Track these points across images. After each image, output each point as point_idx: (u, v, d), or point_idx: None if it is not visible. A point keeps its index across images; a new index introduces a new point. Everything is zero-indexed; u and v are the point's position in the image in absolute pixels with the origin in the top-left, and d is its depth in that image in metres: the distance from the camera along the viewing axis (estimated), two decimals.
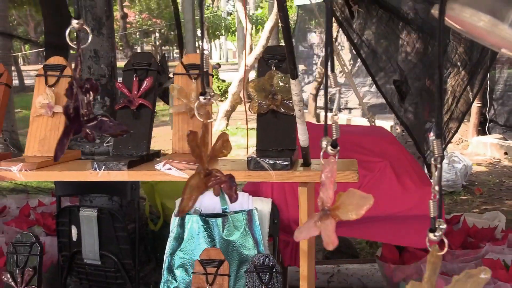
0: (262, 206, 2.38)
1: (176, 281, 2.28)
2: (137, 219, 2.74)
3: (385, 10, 5.74)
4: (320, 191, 0.69)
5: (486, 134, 8.59)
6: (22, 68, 20.98)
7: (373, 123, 3.78)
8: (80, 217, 2.67)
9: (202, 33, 0.86)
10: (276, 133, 0.92)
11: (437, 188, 0.72)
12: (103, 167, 0.94)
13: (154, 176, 0.93)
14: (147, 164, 1.01)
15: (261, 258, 1.98)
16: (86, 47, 2.78)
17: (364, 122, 9.65)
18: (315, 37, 15.52)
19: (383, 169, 2.67)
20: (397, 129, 6.75)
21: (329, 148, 0.66)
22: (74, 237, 2.72)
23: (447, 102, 6.18)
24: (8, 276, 1.66)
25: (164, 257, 2.34)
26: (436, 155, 0.72)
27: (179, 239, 2.31)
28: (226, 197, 2.45)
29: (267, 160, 0.87)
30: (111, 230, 2.67)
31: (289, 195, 2.61)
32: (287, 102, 0.91)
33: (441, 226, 0.73)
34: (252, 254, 2.28)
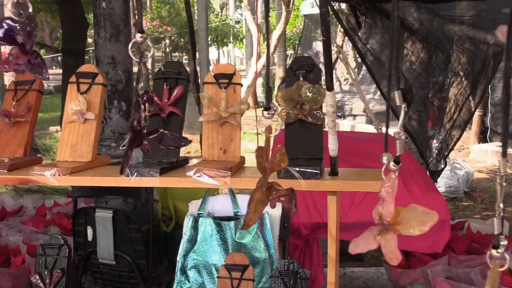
0: (273, 210, 2.37)
1: (189, 282, 2.27)
2: (150, 221, 2.74)
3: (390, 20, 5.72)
4: (379, 205, 0.68)
5: (487, 142, 8.54)
6: None
7: (380, 130, 3.77)
8: (95, 218, 2.67)
9: (268, 49, 0.84)
10: (303, 142, 0.91)
11: (501, 205, 0.70)
12: (135, 173, 0.94)
13: (186, 183, 0.93)
14: (177, 171, 1.00)
15: (286, 264, 1.97)
16: (104, 54, 2.80)
17: (369, 128, 9.63)
18: (320, 45, 15.52)
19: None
20: (401, 136, 6.72)
21: (392, 164, 0.66)
22: (90, 237, 2.72)
23: (449, 111, 6.17)
24: (37, 277, 1.66)
25: (177, 258, 2.33)
26: (502, 174, 0.70)
27: (193, 241, 2.30)
28: (238, 199, 2.44)
29: (297, 168, 0.87)
30: (126, 231, 2.66)
31: (299, 200, 2.61)
32: (315, 112, 0.91)
33: (502, 243, 0.71)
34: (263, 257, 2.27)
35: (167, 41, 23.51)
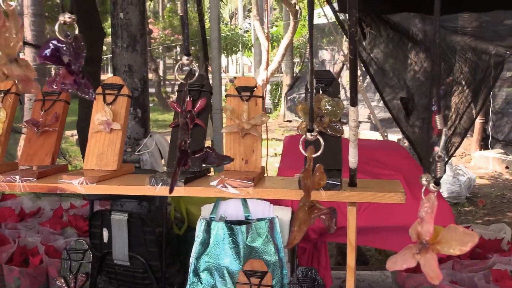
0: (283, 214, 2.36)
1: (201, 283, 2.26)
2: (164, 224, 2.74)
3: (395, 31, 5.72)
4: (417, 223, 0.67)
5: (488, 149, 8.50)
6: None
7: (385, 138, 3.76)
8: (111, 220, 2.67)
9: (311, 78, 0.82)
10: (322, 154, 0.91)
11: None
12: (161, 183, 0.93)
13: (209, 193, 0.93)
14: (201, 181, 1.00)
15: (304, 271, 1.96)
16: (121, 62, 2.81)
17: (373, 135, 9.60)
18: (326, 54, 15.55)
19: None
20: (404, 143, 6.70)
21: (432, 185, 0.66)
22: (105, 239, 2.72)
23: (450, 118, 6.15)
24: (62, 281, 1.67)
25: (190, 261, 2.33)
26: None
27: (205, 244, 2.29)
28: (249, 204, 2.43)
29: None
30: (140, 233, 2.67)
31: None
32: (334, 124, 0.90)
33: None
34: (273, 260, 2.26)
35: (178, 49, 23.59)
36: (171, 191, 0.67)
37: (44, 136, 1.11)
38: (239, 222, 2.32)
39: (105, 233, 2.72)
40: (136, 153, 2.79)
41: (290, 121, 13.29)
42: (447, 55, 5.92)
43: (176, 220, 3.42)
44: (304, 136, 0.91)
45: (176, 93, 1.14)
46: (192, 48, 21.79)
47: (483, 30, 5.47)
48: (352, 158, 0.89)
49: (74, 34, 0.89)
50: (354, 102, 0.82)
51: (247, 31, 25.34)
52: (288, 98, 13.24)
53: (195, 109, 1.02)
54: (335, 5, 5.51)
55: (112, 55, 2.77)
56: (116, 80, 1.25)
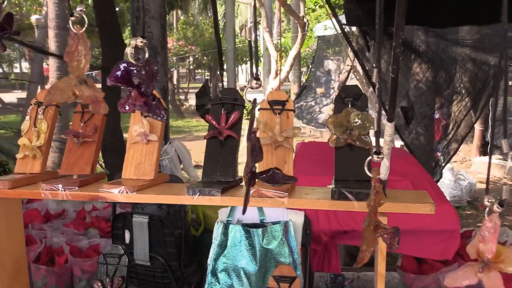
0: (296, 218, 2.35)
1: (219, 283, 2.25)
2: (183, 226, 2.73)
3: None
4: (478, 241, 0.67)
5: (488, 155, 8.44)
6: None
7: (393, 145, 3.73)
8: (133, 222, 2.68)
9: (379, 94, 0.81)
10: (352, 165, 0.90)
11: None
12: (198, 193, 0.93)
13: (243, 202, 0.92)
14: (236, 190, 1.00)
15: (331, 277, 1.94)
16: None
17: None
18: (331, 64, 15.53)
19: (404, 187, 2.62)
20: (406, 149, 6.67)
21: (495, 206, 0.65)
22: (127, 240, 2.72)
23: (450, 127, 6.13)
24: (99, 284, 1.67)
25: (208, 262, 2.32)
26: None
27: (223, 246, 2.28)
28: (265, 210, 2.42)
29: (350, 190, 0.85)
30: (160, 235, 2.67)
31: (320, 210, 2.58)
32: (363, 137, 0.90)
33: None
34: (287, 262, 2.25)
35: (191, 59, 23.68)
36: (243, 211, 0.66)
37: (83, 147, 1.11)
38: (255, 225, 2.31)
39: (127, 235, 2.72)
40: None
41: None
42: (448, 66, 5.90)
43: (193, 222, 3.41)
44: (370, 157, 0.90)
45: (209, 106, 1.14)
46: (205, 58, 21.87)
47: (484, 42, 5.44)
48: (384, 170, 0.88)
49: (145, 58, 0.88)
50: (391, 118, 0.82)
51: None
52: (296, 105, 13.23)
53: (229, 121, 1.02)
54: (342, 17, 5.50)
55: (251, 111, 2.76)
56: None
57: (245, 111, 1.34)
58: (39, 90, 14.19)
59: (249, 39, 0.95)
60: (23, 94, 18.13)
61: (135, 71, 0.84)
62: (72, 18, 0.98)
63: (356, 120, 0.87)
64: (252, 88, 0.70)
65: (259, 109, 0.98)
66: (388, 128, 0.81)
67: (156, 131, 1.09)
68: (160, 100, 0.86)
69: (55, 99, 0.88)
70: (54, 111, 1.17)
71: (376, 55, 0.80)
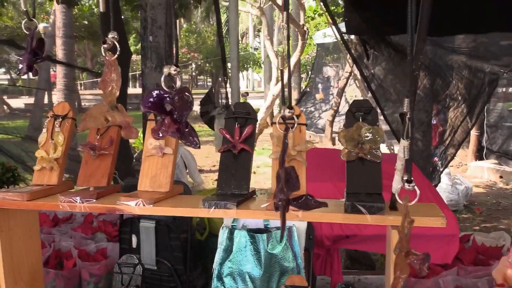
0: (300, 223, 2.35)
1: (224, 287, 2.25)
2: (189, 231, 2.73)
3: (396, 51, 5.71)
4: (504, 266, 0.66)
5: (483, 160, 8.43)
6: (80, 92, 21.33)
7: (392, 151, 3.73)
8: (140, 227, 2.67)
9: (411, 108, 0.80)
10: (364, 178, 0.90)
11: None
12: (213, 206, 0.93)
13: (260, 215, 0.92)
14: (250, 203, 0.99)
15: (343, 286, 1.93)
16: (150, 82, 2.82)
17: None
18: (330, 71, 15.56)
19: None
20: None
21: None
22: (134, 244, 2.71)
23: (447, 131, 6.15)
24: None
25: (214, 266, 2.31)
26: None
27: (228, 251, 2.28)
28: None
29: (363, 204, 0.85)
30: (167, 239, 2.66)
31: None
32: (374, 151, 0.90)
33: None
34: (291, 266, 2.25)
35: (194, 65, 23.75)
36: (281, 238, 0.66)
37: (100, 159, 1.11)
38: (259, 230, 2.31)
39: (134, 239, 2.72)
40: None
41: None
42: (444, 73, 5.91)
43: (198, 226, 3.41)
44: (400, 186, 0.89)
45: (223, 120, 1.13)
46: (207, 65, 21.93)
47: (480, 50, 5.46)
48: (396, 185, 0.88)
49: (178, 86, 0.88)
50: (407, 135, 0.81)
51: (256, 49, 25.45)
52: None
53: (242, 135, 1.01)
54: (341, 25, 5.51)
55: (142, 74, 2.78)
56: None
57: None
58: (46, 96, 14.22)
59: (281, 68, 0.95)
60: (30, 100, 18.15)
61: (168, 99, 0.84)
62: (105, 46, 0.98)
63: (367, 134, 0.87)
64: (286, 117, 0.69)
65: (272, 124, 0.98)
66: (402, 144, 0.81)
67: (171, 144, 1.09)
68: (193, 128, 0.85)
69: (89, 126, 0.89)
70: (70, 124, 1.17)
71: (411, 86, 0.79)
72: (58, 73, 8.12)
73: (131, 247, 2.72)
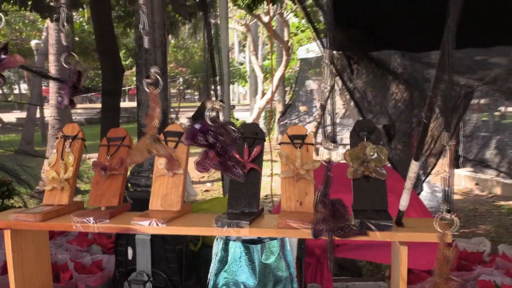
0: None
1: None
2: (184, 242, 2.70)
3: (378, 66, 5.79)
4: None
5: (460, 168, 8.54)
6: None
7: None
8: (135, 239, 2.63)
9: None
10: (369, 196, 0.90)
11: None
12: (226, 226, 0.92)
13: (271, 233, 0.91)
14: (262, 221, 0.98)
15: None
16: (145, 98, 2.80)
17: None
18: (313, 84, 15.72)
19: (391, 203, 2.63)
20: (388, 164, 6.74)
21: None
22: (130, 256, 2.68)
23: (427, 142, 6.22)
24: None
25: (209, 277, 2.28)
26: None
27: (223, 261, 2.25)
28: None
29: (372, 221, 0.85)
30: (162, 251, 2.63)
31: None
32: (378, 169, 0.90)
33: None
34: (285, 275, 2.23)
35: (181, 79, 23.72)
36: (330, 268, 0.65)
37: (110, 179, 1.09)
38: (253, 241, 2.29)
39: (130, 251, 2.68)
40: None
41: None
42: (422, 87, 6.01)
43: (191, 237, 3.38)
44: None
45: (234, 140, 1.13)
46: (194, 79, 21.93)
47: (456, 64, 5.56)
48: (403, 202, 0.89)
49: (225, 121, 0.86)
50: (417, 157, 0.82)
51: (242, 64, 25.54)
52: (281, 123, 13.30)
53: (251, 155, 1.01)
54: (324, 40, 5.57)
55: (137, 91, 2.77)
56: (176, 128, 1.23)
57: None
58: (38, 110, 14.04)
59: (323, 103, 0.95)
60: (22, 114, 17.93)
61: (211, 132, 0.82)
62: (148, 80, 0.97)
63: (372, 153, 0.88)
64: (329, 149, 0.69)
65: (279, 143, 0.97)
66: (413, 166, 0.82)
67: (181, 164, 1.08)
68: (237, 162, 0.84)
69: (136, 160, 0.88)
70: (80, 145, 1.15)
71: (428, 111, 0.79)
72: (51, 88, 8.04)
73: (127, 259, 2.69)
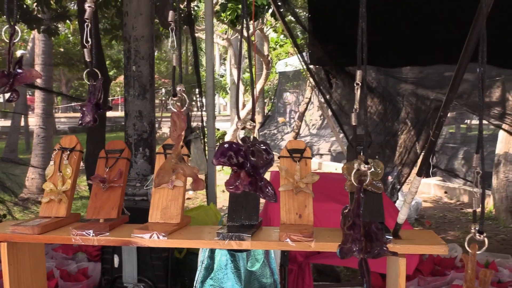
0: None
1: None
2: (170, 249, 2.65)
3: (354, 80, 5.85)
4: None
5: (430, 177, 8.67)
6: (55, 115, 20.74)
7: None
8: (122, 247, 2.58)
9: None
10: (366, 209, 0.89)
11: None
12: (228, 238, 0.90)
13: (273, 246, 0.89)
14: (262, 234, 0.96)
15: None
16: (132, 109, 2.75)
17: (333, 165, 9.67)
18: (290, 96, 15.84)
19: (333, 210, 2.64)
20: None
21: None
22: (116, 264, 2.62)
23: (400, 153, 6.30)
24: None
25: (195, 284, 2.24)
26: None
27: (209, 269, 2.22)
28: None
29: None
30: (148, 259, 2.58)
31: None
32: (375, 182, 0.90)
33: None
34: (269, 282, 2.21)
35: (163, 90, 23.55)
36: (366, 285, 0.63)
37: (109, 191, 1.05)
38: (239, 249, 2.27)
39: (116, 259, 2.62)
40: (144, 188, 2.72)
41: None
42: (396, 100, 6.10)
43: None
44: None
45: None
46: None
47: (426, 79, 5.67)
48: (402, 216, 0.88)
49: (255, 141, 0.82)
50: (420, 172, 0.82)
51: (222, 76, 25.54)
52: (260, 133, 13.30)
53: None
54: (304, 54, 5.63)
55: (125, 102, 2.72)
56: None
57: None
58: (22, 119, 13.72)
59: (355, 124, 0.93)
60: (6, 123, 17.51)
61: (241, 152, 0.78)
62: (175, 98, 0.93)
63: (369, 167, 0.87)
64: (359, 171, 0.67)
65: (279, 157, 0.96)
66: (416, 181, 0.82)
67: (181, 177, 1.06)
68: (269, 182, 0.81)
69: (164, 181, 0.84)
70: (78, 157, 1.11)
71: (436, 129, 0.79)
72: (37, 98, 7.88)
73: (113, 267, 2.62)
